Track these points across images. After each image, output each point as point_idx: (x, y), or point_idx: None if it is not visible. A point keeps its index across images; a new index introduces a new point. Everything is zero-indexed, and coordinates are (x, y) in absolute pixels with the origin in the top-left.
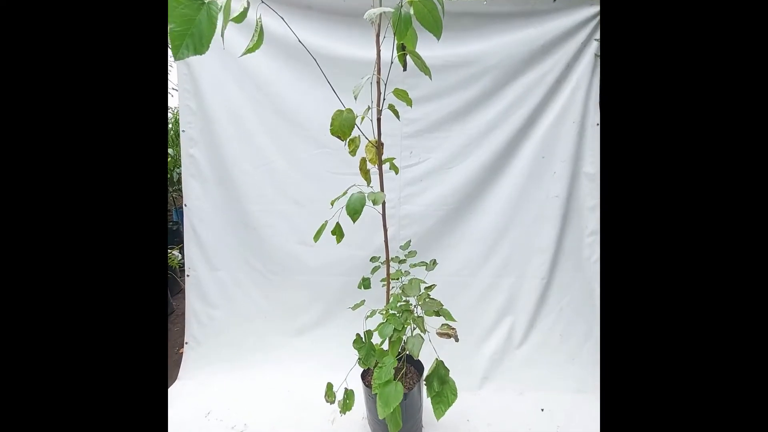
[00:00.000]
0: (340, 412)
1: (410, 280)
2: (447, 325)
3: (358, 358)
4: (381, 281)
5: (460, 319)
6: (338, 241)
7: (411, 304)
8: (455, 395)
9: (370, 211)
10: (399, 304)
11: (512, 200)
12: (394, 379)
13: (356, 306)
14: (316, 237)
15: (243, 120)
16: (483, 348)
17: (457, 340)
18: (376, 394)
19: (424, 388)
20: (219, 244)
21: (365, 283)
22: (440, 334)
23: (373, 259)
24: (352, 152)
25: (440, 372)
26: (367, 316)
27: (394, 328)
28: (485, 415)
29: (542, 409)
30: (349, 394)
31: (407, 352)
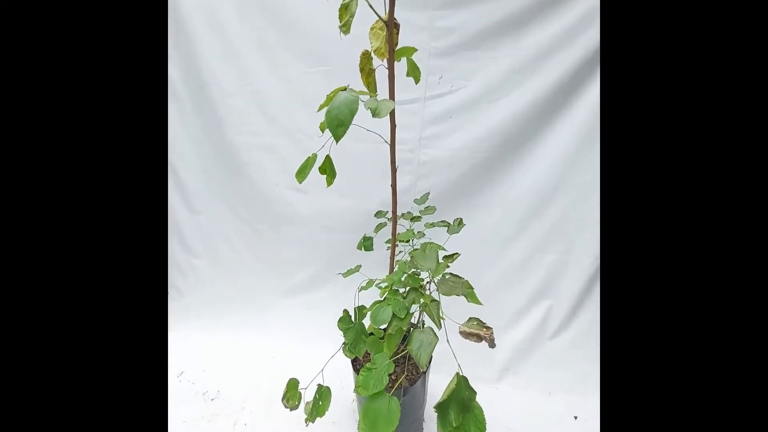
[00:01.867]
0: (307, 420)
1: (424, 245)
2: (478, 321)
3: (344, 344)
4: (386, 242)
5: (483, 299)
6: (328, 182)
7: (422, 279)
8: (483, 430)
9: (378, 153)
10: (405, 276)
11: (570, 151)
12: (390, 390)
13: (349, 272)
14: (300, 174)
15: (223, 24)
16: (508, 334)
17: (493, 345)
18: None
19: (430, 378)
20: (199, 182)
21: (366, 244)
22: (467, 335)
23: (378, 214)
24: (344, 27)
25: (462, 395)
26: (361, 288)
27: (394, 314)
28: (503, 415)
29: (575, 417)
30: (323, 394)
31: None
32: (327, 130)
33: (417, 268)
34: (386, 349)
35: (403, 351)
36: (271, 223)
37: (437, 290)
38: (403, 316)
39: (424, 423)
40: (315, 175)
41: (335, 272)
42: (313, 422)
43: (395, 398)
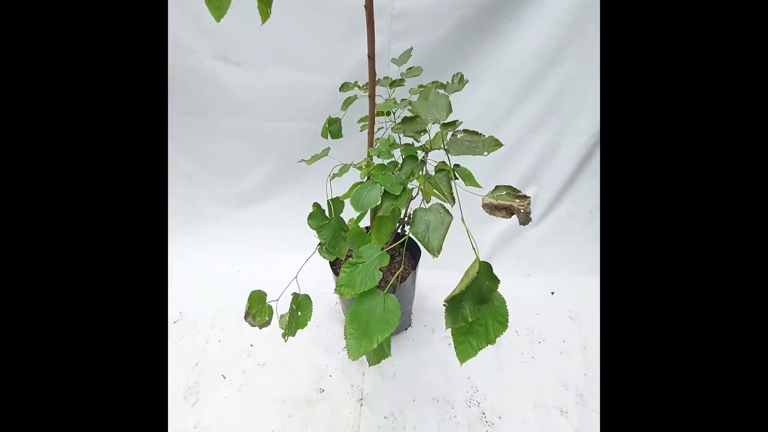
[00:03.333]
0: (285, 335)
1: (426, 89)
2: (509, 189)
3: (319, 245)
4: (359, 121)
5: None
6: (263, 14)
7: (419, 153)
8: (505, 323)
9: (336, 4)
10: (396, 152)
11: (581, 5)
12: (383, 285)
13: (314, 158)
14: (214, 2)
15: None
16: (491, 223)
17: (527, 220)
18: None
19: (419, 272)
20: None
21: (332, 129)
22: (494, 209)
23: (344, 86)
24: None
25: (481, 285)
26: (333, 176)
27: (385, 192)
28: None
29: (552, 293)
30: (302, 303)
31: (409, 237)
32: None
33: (414, 132)
34: (375, 239)
35: (394, 243)
36: (200, 114)
37: (446, 151)
38: (398, 193)
39: (412, 315)
40: (248, 34)
41: (294, 172)
42: (293, 336)
43: (391, 295)
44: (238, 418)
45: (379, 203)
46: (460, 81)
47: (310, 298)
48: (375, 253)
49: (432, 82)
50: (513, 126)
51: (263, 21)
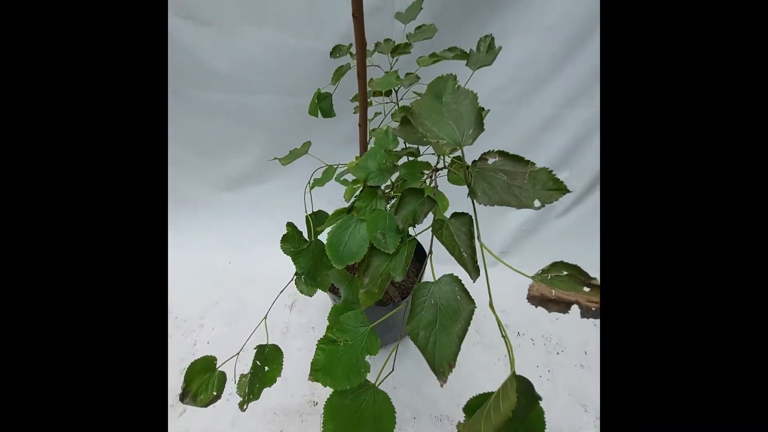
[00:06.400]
0: (242, 403)
1: (440, 81)
2: (572, 271)
3: (296, 275)
4: (353, 100)
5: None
6: None
7: (426, 167)
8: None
9: None
10: (386, 159)
11: None
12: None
13: (289, 157)
14: None
15: None
16: (509, 215)
17: (590, 315)
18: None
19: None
20: None
21: (323, 105)
22: (549, 301)
23: (336, 50)
24: None
25: (519, 413)
26: (312, 184)
27: (373, 245)
28: (496, 300)
29: None
30: (269, 357)
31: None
32: None
33: (415, 142)
34: (364, 298)
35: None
36: (175, 86)
37: (470, 193)
38: (391, 250)
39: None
40: None
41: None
42: (256, 399)
43: (383, 393)
44: (227, 430)
45: (363, 259)
46: (490, 48)
47: (279, 349)
48: (360, 327)
49: (449, 49)
50: (546, 96)
51: None
